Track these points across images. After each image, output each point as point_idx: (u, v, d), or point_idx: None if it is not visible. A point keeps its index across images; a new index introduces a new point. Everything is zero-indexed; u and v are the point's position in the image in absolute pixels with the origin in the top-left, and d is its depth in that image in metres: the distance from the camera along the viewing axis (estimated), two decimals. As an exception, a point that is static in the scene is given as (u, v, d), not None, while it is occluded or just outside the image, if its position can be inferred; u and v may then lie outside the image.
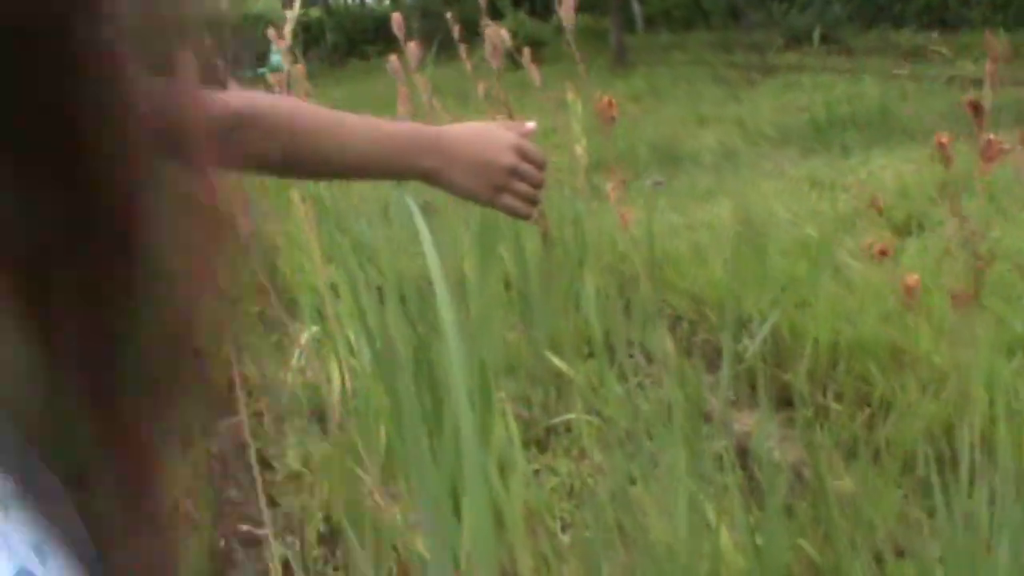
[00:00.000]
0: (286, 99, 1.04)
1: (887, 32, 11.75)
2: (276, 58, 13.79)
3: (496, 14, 16.92)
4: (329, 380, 2.77)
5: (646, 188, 5.85)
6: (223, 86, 0.84)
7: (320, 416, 2.87)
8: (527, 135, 1.05)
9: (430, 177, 0.99)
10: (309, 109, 0.99)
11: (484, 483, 1.50)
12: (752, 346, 3.13)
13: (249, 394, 3.22)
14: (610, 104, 1.84)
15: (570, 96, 2.81)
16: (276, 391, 3.02)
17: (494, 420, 1.97)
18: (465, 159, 0.98)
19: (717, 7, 15.89)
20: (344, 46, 18.03)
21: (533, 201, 1.04)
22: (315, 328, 2.99)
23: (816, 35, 10.99)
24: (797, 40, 11.91)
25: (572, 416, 2.58)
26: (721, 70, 10.65)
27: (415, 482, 1.70)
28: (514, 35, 13.56)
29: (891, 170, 5.06)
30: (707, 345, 3.30)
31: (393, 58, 3.56)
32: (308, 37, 23.50)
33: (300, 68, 3.92)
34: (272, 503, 2.51)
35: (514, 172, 1.00)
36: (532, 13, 15.83)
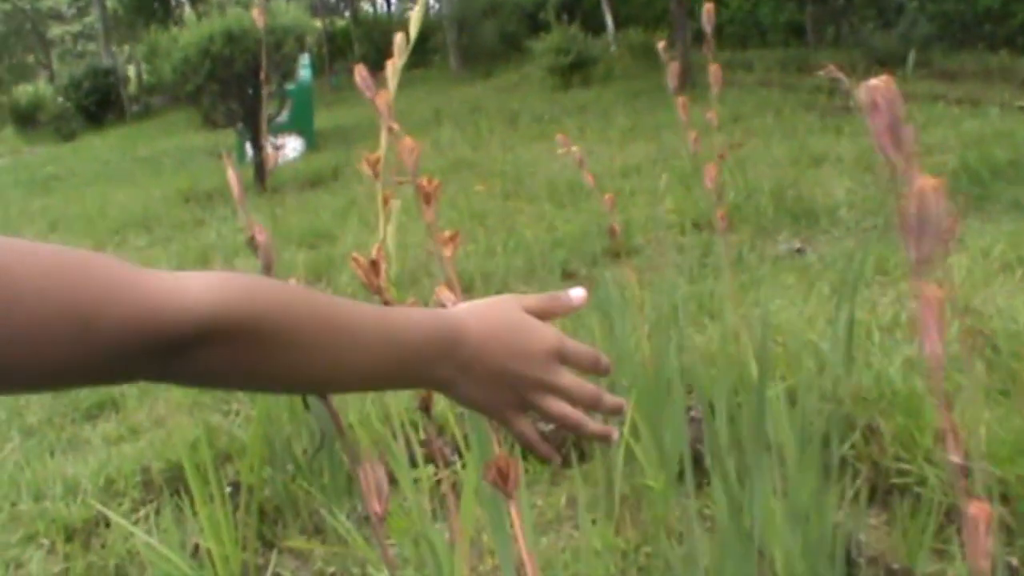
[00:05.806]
0: (270, 293, 0.56)
1: (982, 55, 10.61)
2: (305, 72, 12.53)
3: (539, 27, 15.80)
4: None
5: (783, 256, 4.73)
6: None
7: None
8: (568, 310, 0.75)
9: (441, 389, 0.70)
10: (297, 313, 0.59)
11: None
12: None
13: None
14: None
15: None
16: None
17: None
18: (484, 367, 0.69)
19: (776, 23, 14.77)
20: (373, 58, 16.96)
21: (574, 426, 0.72)
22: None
23: (911, 59, 9.83)
24: (881, 63, 10.77)
25: None
26: (805, 95, 9.54)
27: None
28: (564, 52, 12.27)
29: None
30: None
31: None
32: (333, 48, 22.32)
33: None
34: None
35: (545, 388, 0.71)
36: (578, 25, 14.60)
